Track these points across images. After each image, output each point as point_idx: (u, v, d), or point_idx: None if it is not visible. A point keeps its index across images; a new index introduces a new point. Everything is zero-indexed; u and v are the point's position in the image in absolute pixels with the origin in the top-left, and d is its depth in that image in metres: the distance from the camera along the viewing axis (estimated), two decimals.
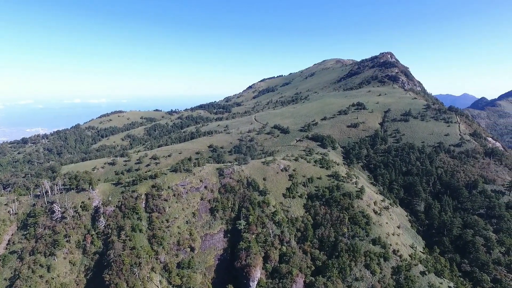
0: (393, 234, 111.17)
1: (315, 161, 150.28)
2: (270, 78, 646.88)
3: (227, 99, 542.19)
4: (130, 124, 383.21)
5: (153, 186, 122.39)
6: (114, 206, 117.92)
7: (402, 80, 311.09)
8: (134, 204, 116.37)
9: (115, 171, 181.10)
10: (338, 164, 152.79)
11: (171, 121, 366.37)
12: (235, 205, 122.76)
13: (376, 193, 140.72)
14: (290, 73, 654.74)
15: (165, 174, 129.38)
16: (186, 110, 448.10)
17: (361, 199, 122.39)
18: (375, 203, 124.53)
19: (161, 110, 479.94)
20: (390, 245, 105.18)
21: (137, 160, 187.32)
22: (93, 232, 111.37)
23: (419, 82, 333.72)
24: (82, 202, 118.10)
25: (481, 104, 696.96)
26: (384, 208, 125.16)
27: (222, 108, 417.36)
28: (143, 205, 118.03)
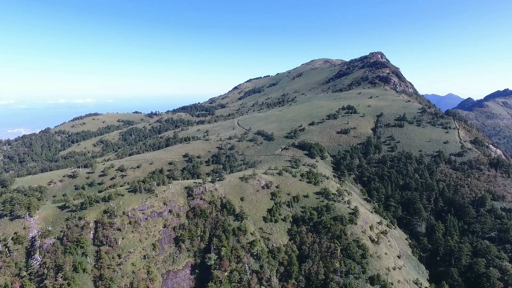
0: (393, 269, 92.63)
1: (302, 175, 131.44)
2: (256, 78, 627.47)
3: (212, 100, 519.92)
4: (105, 128, 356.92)
5: (105, 212, 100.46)
6: (54, 238, 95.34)
7: (394, 81, 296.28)
8: (80, 235, 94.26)
9: (75, 185, 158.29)
10: (327, 178, 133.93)
11: (149, 124, 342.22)
12: (206, 233, 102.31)
13: (371, 212, 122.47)
14: (277, 73, 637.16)
15: (122, 195, 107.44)
16: (167, 112, 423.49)
17: (355, 223, 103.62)
18: (371, 227, 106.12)
19: (141, 112, 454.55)
20: (392, 284, 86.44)
21: (101, 172, 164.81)
22: (25, 273, 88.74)
23: (410, 84, 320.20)
24: (15, 233, 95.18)
25: (468, 104, 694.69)
26: (382, 232, 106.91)
27: (205, 111, 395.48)
28: (91, 236, 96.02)
